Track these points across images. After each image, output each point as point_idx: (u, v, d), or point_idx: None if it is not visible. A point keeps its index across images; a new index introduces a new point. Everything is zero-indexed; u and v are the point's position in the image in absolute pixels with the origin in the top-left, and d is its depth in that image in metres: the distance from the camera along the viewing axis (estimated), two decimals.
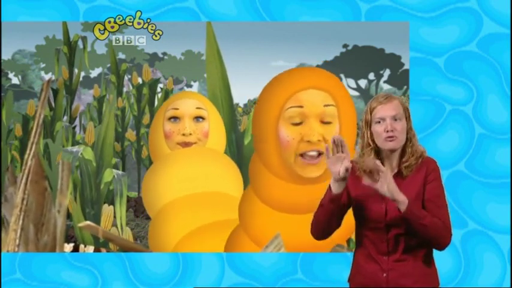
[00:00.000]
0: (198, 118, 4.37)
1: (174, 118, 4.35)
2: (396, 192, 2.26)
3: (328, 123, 3.61)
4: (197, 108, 4.38)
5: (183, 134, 4.33)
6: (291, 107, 3.60)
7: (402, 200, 2.26)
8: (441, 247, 2.36)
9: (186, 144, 4.34)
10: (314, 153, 3.60)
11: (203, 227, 4.05)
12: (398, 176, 2.38)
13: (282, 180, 3.64)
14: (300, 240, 3.58)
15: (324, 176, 3.60)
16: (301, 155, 3.59)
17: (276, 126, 3.60)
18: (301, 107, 3.59)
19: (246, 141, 5.60)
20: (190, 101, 4.40)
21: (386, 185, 2.25)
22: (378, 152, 2.39)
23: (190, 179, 4.18)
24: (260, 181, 3.75)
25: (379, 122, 2.36)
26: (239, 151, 4.79)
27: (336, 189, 2.35)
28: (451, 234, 2.36)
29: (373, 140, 2.38)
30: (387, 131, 2.34)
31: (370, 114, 2.38)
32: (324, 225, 2.44)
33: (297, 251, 3.65)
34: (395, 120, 2.35)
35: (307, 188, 3.60)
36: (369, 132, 2.38)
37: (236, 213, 3.90)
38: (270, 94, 3.68)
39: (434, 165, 2.40)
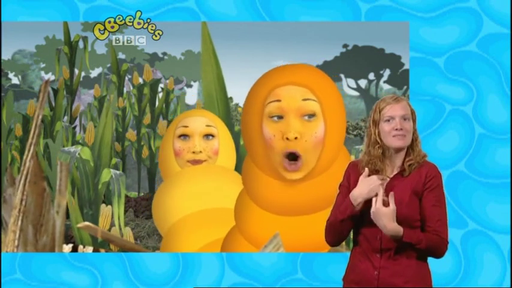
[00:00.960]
0: (208, 136, 4.36)
1: (184, 136, 4.34)
2: (394, 227, 2.30)
3: (310, 119, 3.54)
4: (207, 125, 4.36)
5: (193, 152, 4.31)
6: (270, 102, 3.57)
7: (396, 233, 2.31)
8: (438, 257, 2.41)
9: (196, 162, 4.33)
10: (293, 163, 3.53)
11: (213, 242, 4.04)
12: (398, 176, 2.41)
13: (273, 179, 3.62)
14: (296, 241, 3.57)
15: (306, 177, 3.56)
16: (284, 158, 3.53)
17: (260, 124, 3.58)
18: (279, 101, 3.56)
19: (242, 142, 5.59)
20: (200, 119, 4.39)
21: (386, 220, 2.30)
22: (383, 152, 2.41)
23: (201, 196, 4.16)
24: (253, 183, 3.73)
25: (388, 120, 2.39)
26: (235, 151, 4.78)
27: (359, 206, 2.38)
28: (447, 244, 2.40)
29: (380, 138, 2.40)
30: (396, 129, 2.37)
31: (379, 113, 2.41)
32: (344, 236, 2.48)
33: (294, 251, 3.65)
34: (404, 119, 2.39)
35: (298, 187, 3.58)
36: (376, 131, 2.41)
37: None
38: (253, 93, 3.66)
39: (435, 171, 2.42)
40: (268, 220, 3.62)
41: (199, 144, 4.30)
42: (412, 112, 2.43)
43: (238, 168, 4.53)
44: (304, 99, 3.52)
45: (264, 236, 3.59)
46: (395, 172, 2.42)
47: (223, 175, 4.30)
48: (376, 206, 2.30)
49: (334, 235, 2.48)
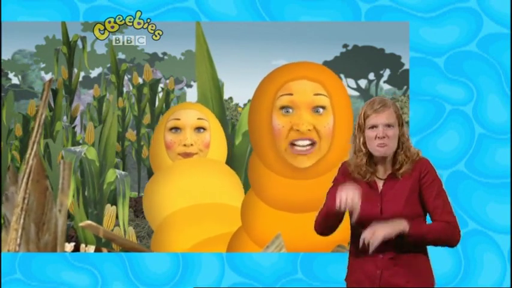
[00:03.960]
0: (199, 129, 4.36)
1: (175, 129, 4.34)
2: (392, 226, 2.30)
3: (320, 113, 3.60)
4: (198, 118, 4.36)
5: (184, 145, 4.31)
6: (281, 95, 3.62)
7: (403, 227, 2.31)
8: (453, 246, 2.41)
9: (187, 155, 4.33)
10: (305, 143, 3.59)
11: (206, 240, 4.04)
12: (391, 177, 2.42)
13: (280, 176, 3.64)
14: (302, 240, 3.58)
15: (317, 167, 3.59)
16: (292, 144, 3.59)
17: (270, 116, 3.62)
18: (291, 94, 3.60)
19: (237, 141, 5.59)
20: (192, 112, 4.39)
21: (380, 233, 2.29)
22: (371, 156, 2.41)
23: (192, 190, 4.16)
24: (260, 180, 3.75)
25: (372, 127, 2.40)
26: (229, 151, 4.79)
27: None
28: (459, 231, 2.40)
29: (365, 145, 2.41)
30: (379, 137, 2.37)
31: (364, 120, 2.41)
32: (331, 227, 2.50)
33: (299, 251, 3.65)
34: (388, 126, 2.39)
35: (305, 184, 3.60)
36: (361, 137, 2.42)
37: (238, 225, 3.91)
38: (264, 86, 3.70)
39: (428, 165, 2.44)
40: (275, 217, 3.64)
41: (190, 137, 4.31)
42: (398, 118, 2.42)
43: (229, 162, 4.54)
44: (316, 94, 3.60)
45: (271, 233, 3.61)
46: (388, 172, 2.43)
47: (214, 168, 4.30)
48: (368, 232, 2.30)
49: (323, 227, 2.50)
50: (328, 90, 3.62)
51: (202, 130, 4.36)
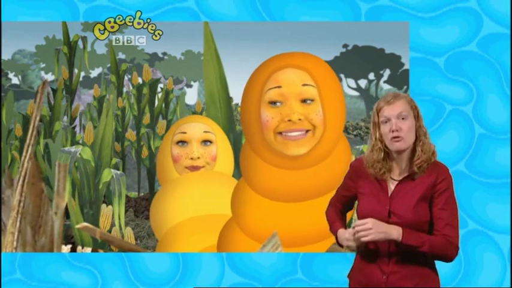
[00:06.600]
0: (206, 142, 4.36)
1: (182, 142, 4.35)
2: (386, 232, 2.29)
3: (309, 103, 3.59)
4: (205, 132, 4.37)
5: (191, 158, 4.32)
6: (270, 89, 3.60)
7: (396, 237, 2.29)
8: (447, 261, 2.38)
9: (194, 168, 4.33)
10: (297, 133, 3.58)
11: (210, 247, 4.04)
12: (407, 179, 2.38)
13: (272, 166, 3.64)
14: (294, 230, 3.59)
15: (309, 157, 3.58)
16: (280, 133, 3.58)
17: (258, 109, 3.61)
18: (279, 87, 3.59)
19: (244, 141, 5.58)
20: (198, 125, 4.40)
21: (373, 233, 2.28)
22: (388, 154, 2.39)
23: (198, 202, 4.17)
24: (251, 169, 3.75)
25: (386, 122, 2.37)
26: (237, 151, 4.80)
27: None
28: (457, 249, 2.36)
29: (381, 141, 2.38)
30: (392, 131, 2.34)
31: (378, 114, 2.39)
32: None
33: (291, 242, 3.65)
34: (402, 119, 2.35)
35: (297, 174, 3.60)
36: (377, 134, 2.39)
37: None
38: (252, 80, 3.70)
39: (446, 173, 2.39)
40: (266, 207, 3.64)
41: (197, 150, 4.31)
42: (413, 109, 2.40)
43: (236, 174, 4.54)
44: (304, 85, 3.57)
45: (261, 224, 3.61)
46: (404, 174, 2.39)
47: (221, 181, 4.30)
48: (362, 226, 2.31)
49: None
50: (315, 79, 3.59)
51: (208, 143, 4.37)
